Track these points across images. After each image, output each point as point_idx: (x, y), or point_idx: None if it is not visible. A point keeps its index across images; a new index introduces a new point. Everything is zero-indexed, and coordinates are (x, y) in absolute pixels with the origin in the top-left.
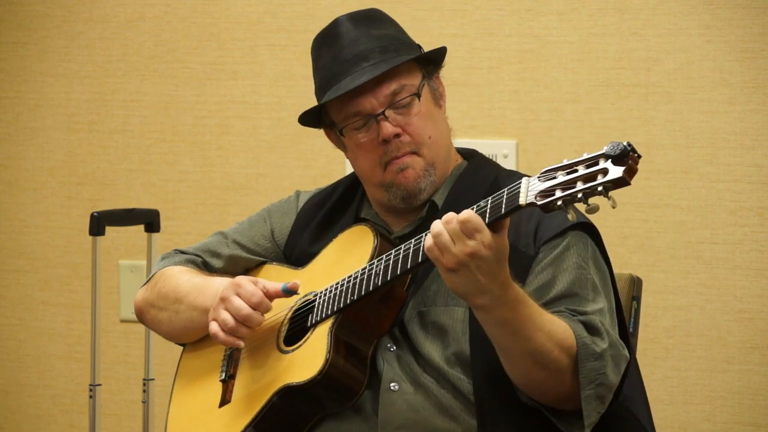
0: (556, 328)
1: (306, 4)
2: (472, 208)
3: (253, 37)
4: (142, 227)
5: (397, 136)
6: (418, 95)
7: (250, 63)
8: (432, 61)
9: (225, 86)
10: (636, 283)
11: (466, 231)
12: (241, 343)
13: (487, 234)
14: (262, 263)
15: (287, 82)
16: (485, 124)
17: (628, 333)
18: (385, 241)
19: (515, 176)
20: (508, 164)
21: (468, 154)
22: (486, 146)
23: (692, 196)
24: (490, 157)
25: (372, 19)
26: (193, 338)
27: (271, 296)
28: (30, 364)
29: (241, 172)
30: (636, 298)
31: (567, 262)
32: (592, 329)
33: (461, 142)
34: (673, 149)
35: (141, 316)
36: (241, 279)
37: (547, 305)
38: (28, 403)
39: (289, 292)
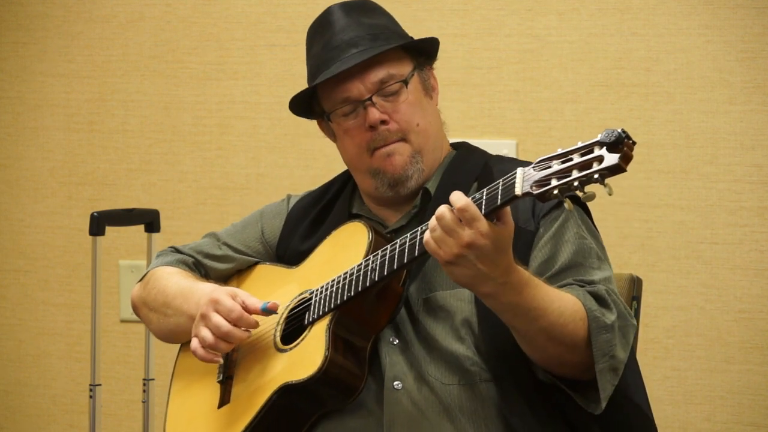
0: (566, 303)
1: (306, 4)
2: (470, 197)
3: (253, 37)
4: (142, 227)
5: (384, 123)
6: (405, 82)
7: (250, 63)
8: (423, 53)
9: (225, 86)
10: (636, 283)
11: (464, 220)
12: (220, 360)
13: (483, 223)
14: (255, 263)
15: (287, 82)
16: (485, 124)
17: (635, 341)
18: (380, 236)
19: (504, 161)
20: None
21: (456, 145)
22: (486, 146)
23: (692, 196)
24: None
25: (364, 8)
26: (180, 341)
27: (249, 312)
28: (30, 364)
29: (241, 172)
30: (636, 298)
31: (568, 234)
32: (600, 300)
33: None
34: (673, 149)
35: (136, 312)
36: (220, 294)
37: (553, 278)
38: (28, 403)
39: (268, 311)
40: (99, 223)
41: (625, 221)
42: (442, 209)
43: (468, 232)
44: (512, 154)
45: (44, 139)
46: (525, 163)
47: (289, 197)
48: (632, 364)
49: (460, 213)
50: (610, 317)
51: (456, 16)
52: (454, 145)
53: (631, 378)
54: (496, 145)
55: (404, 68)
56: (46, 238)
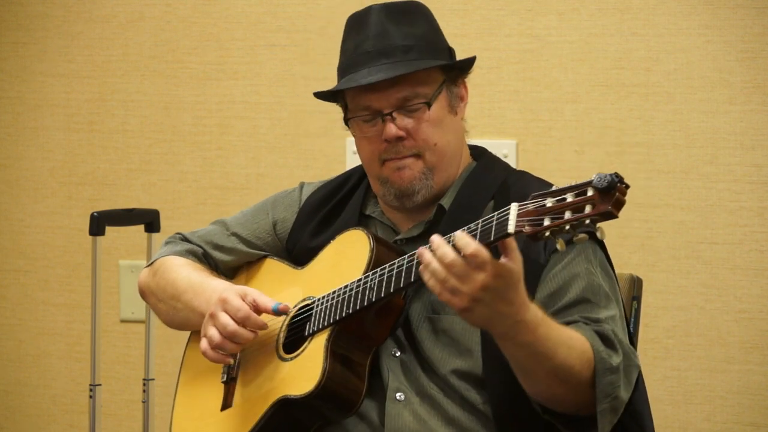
0: (576, 343)
1: (306, 4)
2: (464, 230)
3: (253, 37)
4: (142, 227)
5: (401, 139)
6: (428, 104)
7: (250, 63)
8: (457, 66)
9: (225, 86)
10: (636, 283)
11: (474, 266)
12: (230, 360)
13: (495, 265)
14: (264, 257)
15: (287, 82)
16: (485, 124)
17: (635, 341)
18: (383, 246)
19: (525, 178)
20: None
21: (477, 154)
22: (486, 146)
23: (692, 196)
24: None
25: (406, 14)
26: (189, 330)
27: (260, 311)
28: (30, 364)
29: (241, 172)
30: (636, 298)
31: (577, 268)
32: (606, 340)
33: None
34: (673, 149)
35: (143, 298)
36: (229, 293)
37: (560, 312)
38: (28, 403)
39: (279, 313)
40: (99, 223)
41: (625, 221)
42: (449, 256)
43: (481, 275)
44: (512, 154)
45: (44, 139)
46: (542, 184)
47: (302, 186)
48: (642, 393)
49: (471, 258)
50: (616, 359)
51: (456, 16)
52: (474, 154)
53: (642, 406)
54: (496, 145)
55: (432, 86)
56: (46, 238)
